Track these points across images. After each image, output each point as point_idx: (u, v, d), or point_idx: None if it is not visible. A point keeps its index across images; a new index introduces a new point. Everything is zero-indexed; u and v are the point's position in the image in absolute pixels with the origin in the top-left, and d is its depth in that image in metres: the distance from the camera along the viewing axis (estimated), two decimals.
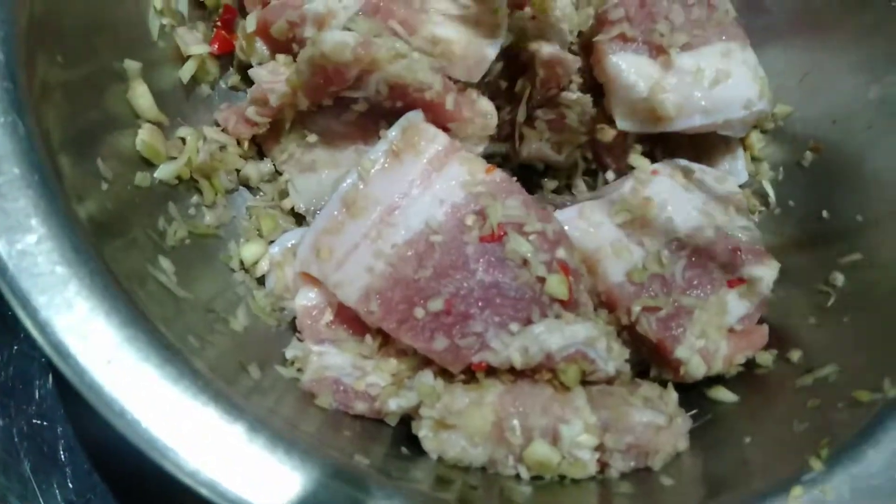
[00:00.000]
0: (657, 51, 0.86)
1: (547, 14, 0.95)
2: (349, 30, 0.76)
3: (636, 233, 0.84)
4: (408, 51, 0.74)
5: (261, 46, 0.89)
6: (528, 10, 0.97)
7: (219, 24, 0.90)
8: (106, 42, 0.74)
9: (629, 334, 0.82)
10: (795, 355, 0.80)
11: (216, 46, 0.89)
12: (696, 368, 0.77)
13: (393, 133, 0.79)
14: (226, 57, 0.92)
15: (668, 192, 0.85)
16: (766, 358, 0.81)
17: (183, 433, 0.49)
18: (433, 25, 0.78)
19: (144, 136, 0.75)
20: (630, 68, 0.87)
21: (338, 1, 0.79)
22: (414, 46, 0.77)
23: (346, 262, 0.76)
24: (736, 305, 0.81)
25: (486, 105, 0.85)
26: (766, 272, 0.82)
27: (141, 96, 0.77)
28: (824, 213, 0.90)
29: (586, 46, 0.95)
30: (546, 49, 0.93)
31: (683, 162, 0.90)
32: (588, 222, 0.86)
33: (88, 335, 0.49)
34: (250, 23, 0.87)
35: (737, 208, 0.86)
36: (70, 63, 0.66)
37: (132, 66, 0.76)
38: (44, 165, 0.53)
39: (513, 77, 0.96)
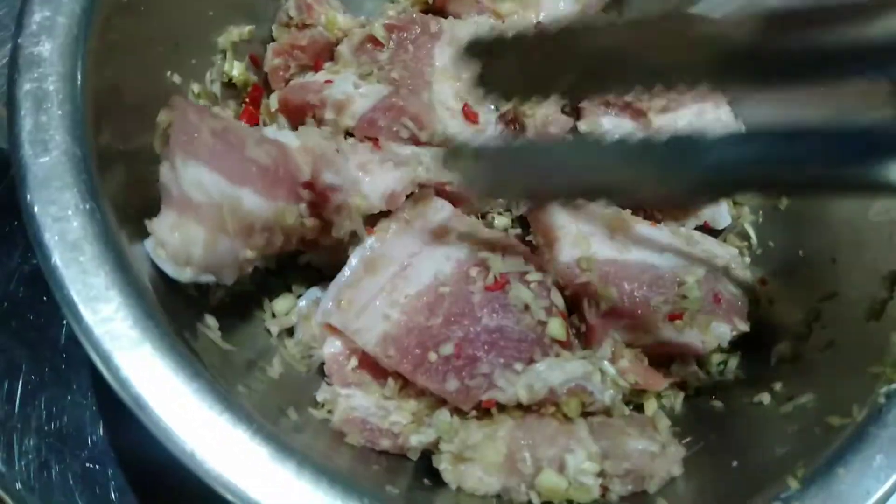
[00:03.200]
0: (637, 114, 0.96)
1: None
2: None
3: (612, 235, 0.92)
4: (426, 157, 0.85)
5: (283, 120, 1.00)
6: None
7: (247, 101, 1.02)
8: (155, 125, 0.84)
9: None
10: (778, 385, 0.87)
11: (244, 121, 1.00)
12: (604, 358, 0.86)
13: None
14: None
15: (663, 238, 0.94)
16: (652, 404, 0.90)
17: (243, 471, 0.58)
18: (441, 125, 0.90)
19: None
20: (613, 130, 0.96)
21: (354, 88, 0.89)
22: (424, 140, 0.88)
23: (365, 312, 0.85)
24: (669, 331, 0.88)
25: None
26: (724, 330, 0.89)
27: None
28: (801, 253, 0.98)
29: (575, 110, 1.05)
30: (541, 112, 1.04)
31: (685, 230, 0.99)
32: (575, 208, 0.92)
33: (162, 388, 0.58)
34: (273, 102, 0.98)
35: (734, 272, 0.94)
36: (128, 150, 0.76)
37: None
38: (117, 245, 0.63)
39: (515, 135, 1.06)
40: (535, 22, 1.04)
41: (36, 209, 0.62)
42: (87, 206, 0.63)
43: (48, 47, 0.68)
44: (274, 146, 0.78)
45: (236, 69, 0.99)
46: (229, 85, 1.00)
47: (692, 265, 0.90)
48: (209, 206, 0.70)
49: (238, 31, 0.99)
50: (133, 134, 0.78)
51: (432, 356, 0.81)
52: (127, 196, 0.71)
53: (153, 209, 0.74)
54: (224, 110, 0.97)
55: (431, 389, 0.81)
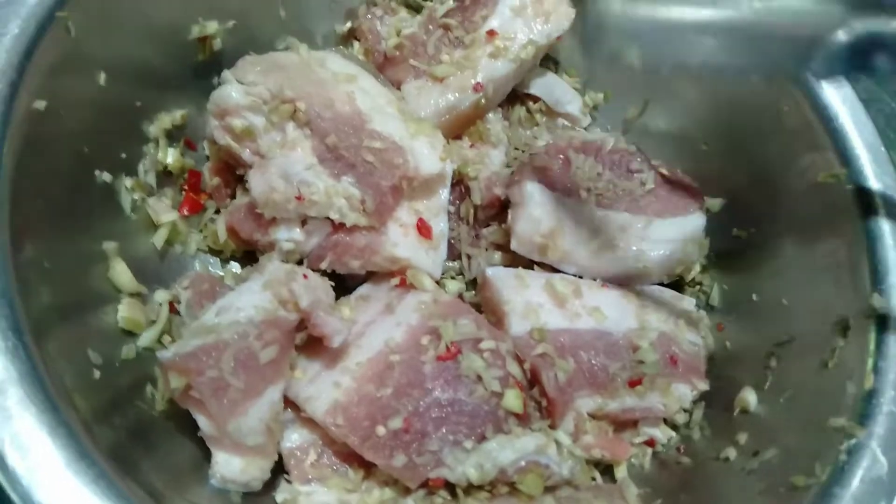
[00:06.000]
0: None
1: (483, 141, 1.06)
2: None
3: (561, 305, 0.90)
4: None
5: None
6: (466, 139, 1.07)
7: (185, 188, 0.99)
8: (84, 230, 0.81)
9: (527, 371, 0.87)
10: (743, 438, 0.87)
11: (186, 209, 0.97)
12: (566, 433, 0.84)
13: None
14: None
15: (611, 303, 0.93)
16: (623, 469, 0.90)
17: None
18: (392, 246, 0.88)
19: (124, 312, 0.82)
20: None
21: (303, 236, 0.88)
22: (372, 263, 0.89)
23: (317, 379, 0.83)
24: (630, 398, 0.88)
25: None
26: (684, 391, 0.89)
27: (121, 273, 0.84)
28: (754, 297, 0.98)
29: None
30: (484, 172, 1.03)
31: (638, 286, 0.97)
32: (520, 281, 0.92)
33: None
34: (221, 231, 0.95)
35: (688, 324, 0.94)
36: (54, 265, 0.73)
37: (110, 246, 0.83)
38: (45, 382, 0.60)
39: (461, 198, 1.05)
40: (473, 83, 1.03)
41: None
42: (10, 344, 0.60)
43: None
44: (265, 325, 0.77)
45: (171, 156, 0.96)
46: (165, 173, 0.97)
47: (645, 328, 0.89)
48: (266, 435, 0.77)
49: (170, 118, 0.96)
50: (61, 248, 0.75)
51: (380, 430, 0.78)
52: (57, 320, 0.68)
53: (84, 334, 0.71)
54: (161, 200, 0.94)
55: (377, 464, 0.79)
